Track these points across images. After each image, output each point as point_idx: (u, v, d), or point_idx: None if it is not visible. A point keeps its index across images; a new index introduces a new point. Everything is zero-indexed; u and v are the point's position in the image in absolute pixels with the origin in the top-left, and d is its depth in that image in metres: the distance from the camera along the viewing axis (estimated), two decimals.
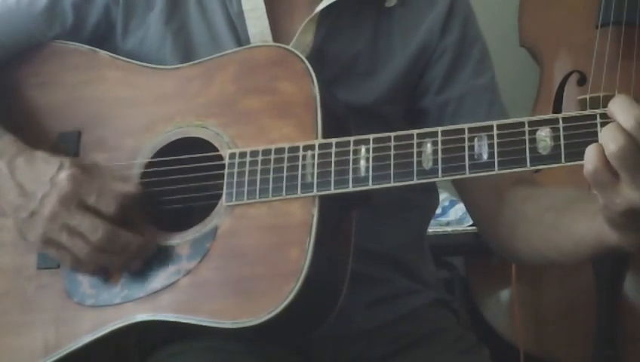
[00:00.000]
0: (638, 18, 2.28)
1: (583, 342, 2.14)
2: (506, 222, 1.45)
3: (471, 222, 2.29)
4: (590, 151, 1.12)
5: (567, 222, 1.32)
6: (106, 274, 1.36)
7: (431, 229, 1.68)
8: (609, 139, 1.11)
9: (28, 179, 1.36)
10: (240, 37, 1.45)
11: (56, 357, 1.35)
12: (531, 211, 1.41)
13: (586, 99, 2.26)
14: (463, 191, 1.54)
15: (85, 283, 1.37)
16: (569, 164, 1.16)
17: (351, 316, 1.44)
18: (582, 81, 2.31)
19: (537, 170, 2.17)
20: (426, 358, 1.47)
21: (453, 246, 2.31)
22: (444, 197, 2.32)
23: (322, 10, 1.43)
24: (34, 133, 1.45)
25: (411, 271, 1.55)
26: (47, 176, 1.34)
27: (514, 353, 2.20)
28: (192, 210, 1.36)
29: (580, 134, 1.16)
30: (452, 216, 2.38)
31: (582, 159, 1.14)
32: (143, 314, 1.31)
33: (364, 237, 1.36)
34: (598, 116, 1.15)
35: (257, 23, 1.44)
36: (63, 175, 1.33)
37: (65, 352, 1.35)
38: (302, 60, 1.33)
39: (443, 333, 1.52)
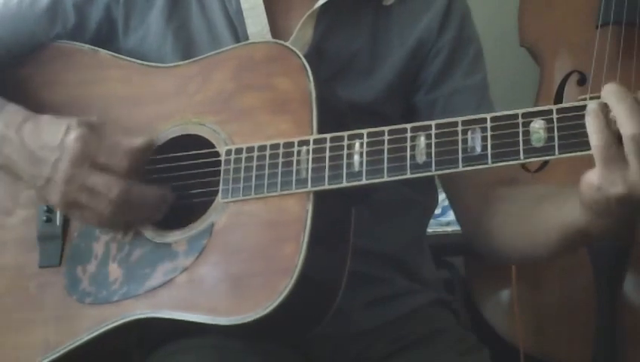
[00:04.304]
0: (638, 18, 2.28)
1: (583, 342, 2.14)
2: (486, 220, 1.45)
3: None
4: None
5: (538, 212, 1.34)
6: (107, 267, 1.36)
7: (431, 229, 1.68)
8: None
9: (38, 146, 1.36)
10: (239, 35, 1.46)
11: (56, 355, 1.36)
12: (508, 206, 1.42)
13: (586, 99, 2.25)
14: (450, 191, 1.54)
15: (85, 281, 1.38)
16: (562, 156, 1.16)
17: (351, 316, 1.44)
18: (582, 81, 2.30)
19: (537, 170, 2.20)
20: (426, 358, 1.47)
21: (453, 246, 2.30)
22: (444, 197, 2.32)
23: (321, 7, 1.44)
24: None
25: (411, 270, 1.55)
26: (56, 140, 1.35)
27: (514, 353, 2.19)
28: (192, 207, 1.36)
29: (574, 125, 1.15)
30: (452, 216, 2.37)
31: (575, 151, 1.14)
32: (141, 312, 1.32)
33: (363, 236, 1.36)
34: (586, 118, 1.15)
35: (256, 22, 1.45)
36: (72, 137, 1.34)
37: (65, 350, 1.35)
38: (298, 56, 1.33)
39: (443, 333, 1.52)
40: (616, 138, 1.13)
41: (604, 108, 1.14)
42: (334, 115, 1.33)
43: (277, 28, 1.46)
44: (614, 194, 1.13)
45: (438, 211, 2.32)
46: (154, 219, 1.35)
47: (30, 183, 1.39)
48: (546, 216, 1.31)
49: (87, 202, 1.33)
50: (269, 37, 1.45)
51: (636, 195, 1.13)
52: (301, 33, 1.44)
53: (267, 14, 1.45)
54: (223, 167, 1.33)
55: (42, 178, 1.35)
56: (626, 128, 1.12)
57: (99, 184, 1.32)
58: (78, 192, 1.33)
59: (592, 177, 1.15)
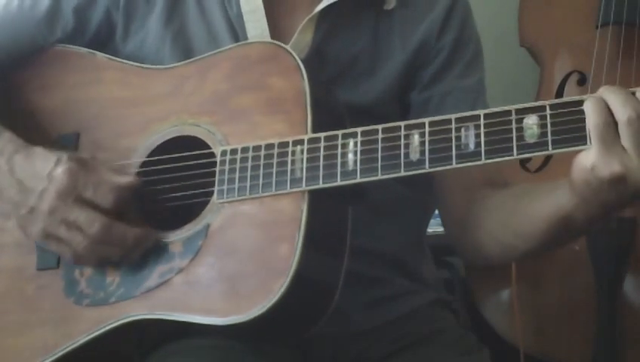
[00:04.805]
0: (638, 18, 2.27)
1: (583, 342, 2.14)
2: (472, 218, 1.45)
3: None
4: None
5: (524, 204, 1.34)
6: (105, 269, 1.36)
7: (431, 229, 1.68)
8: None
9: (27, 176, 1.37)
10: (239, 38, 1.46)
11: (55, 357, 1.36)
12: (495, 201, 1.42)
13: None
14: (436, 191, 1.53)
15: (82, 283, 1.38)
16: (556, 151, 1.16)
17: (350, 316, 1.44)
18: (582, 81, 2.30)
19: (537, 170, 2.20)
20: (426, 358, 1.47)
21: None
22: None
23: (322, 11, 1.44)
24: (34, 136, 1.46)
25: (411, 271, 1.55)
26: (45, 171, 1.35)
27: (514, 353, 2.19)
28: (189, 208, 1.36)
29: (567, 121, 1.16)
30: None
31: (569, 146, 1.15)
32: (137, 313, 1.32)
33: (363, 236, 1.36)
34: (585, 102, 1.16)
35: (256, 25, 1.45)
36: (60, 169, 1.34)
37: (63, 352, 1.35)
38: (293, 56, 1.33)
39: (443, 333, 1.53)
40: (614, 123, 1.14)
41: (603, 100, 1.16)
42: (330, 115, 1.33)
43: (277, 31, 1.46)
44: (609, 175, 1.14)
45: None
46: (129, 260, 1.34)
47: (13, 212, 1.38)
48: (533, 204, 1.32)
49: (64, 236, 1.34)
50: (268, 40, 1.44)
51: (631, 178, 1.13)
52: (301, 37, 1.44)
53: (267, 18, 1.45)
54: (218, 168, 1.33)
55: (27, 207, 1.36)
56: (621, 114, 1.14)
57: (80, 218, 1.32)
58: (58, 225, 1.34)
59: (586, 158, 1.15)
